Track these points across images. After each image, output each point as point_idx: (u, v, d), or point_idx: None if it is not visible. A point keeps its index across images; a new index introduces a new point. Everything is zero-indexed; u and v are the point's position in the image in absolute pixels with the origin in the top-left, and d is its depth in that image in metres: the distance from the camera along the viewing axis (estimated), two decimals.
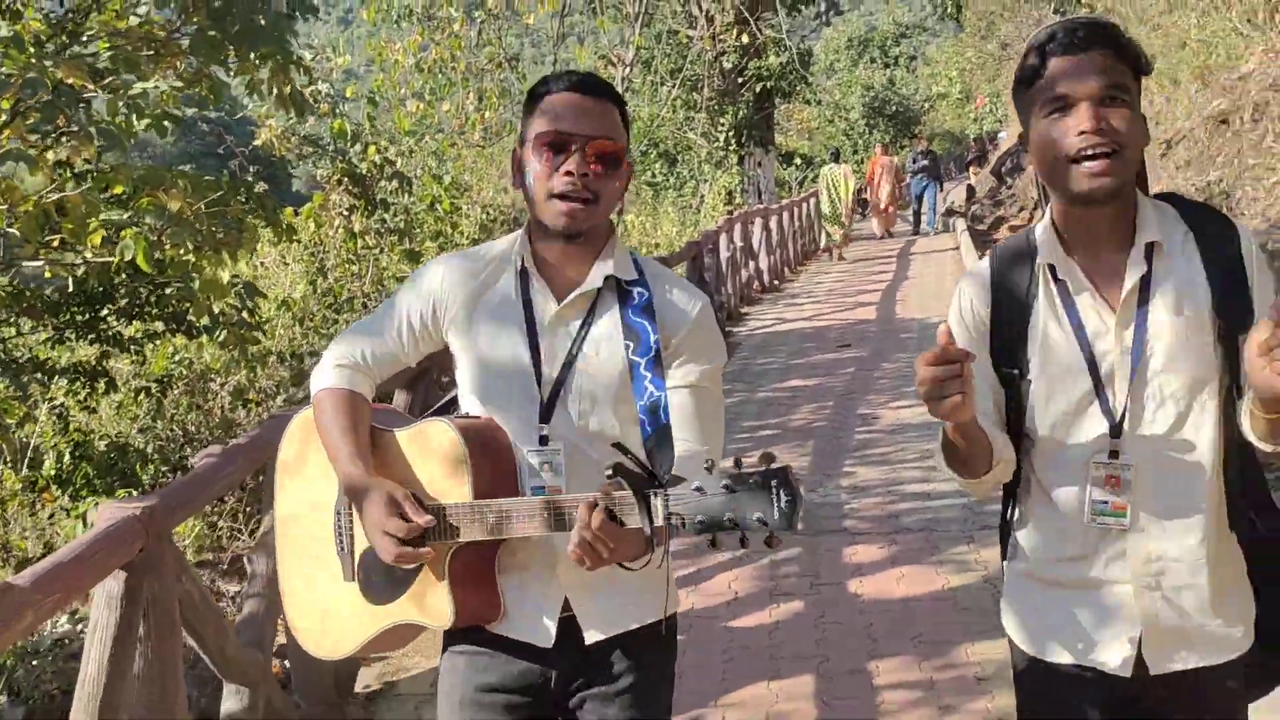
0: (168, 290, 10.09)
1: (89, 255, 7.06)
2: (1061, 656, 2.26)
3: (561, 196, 2.23)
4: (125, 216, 7.07)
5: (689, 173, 23.39)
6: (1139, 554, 2.18)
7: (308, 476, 2.46)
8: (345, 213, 12.36)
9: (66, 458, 10.04)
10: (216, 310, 8.11)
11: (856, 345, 12.89)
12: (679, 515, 1.96)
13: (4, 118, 6.11)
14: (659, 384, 2.25)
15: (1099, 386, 2.18)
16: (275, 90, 7.58)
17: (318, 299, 11.02)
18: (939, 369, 1.91)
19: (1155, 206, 2.22)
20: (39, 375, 10.17)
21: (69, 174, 7.05)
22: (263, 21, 7.09)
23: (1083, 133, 2.05)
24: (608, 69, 21.84)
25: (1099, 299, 2.19)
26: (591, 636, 2.34)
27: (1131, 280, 2.16)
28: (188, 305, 9.92)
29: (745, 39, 21.77)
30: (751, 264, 18.10)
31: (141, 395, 10.30)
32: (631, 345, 2.30)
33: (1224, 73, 12.08)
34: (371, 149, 13.59)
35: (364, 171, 12.83)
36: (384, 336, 2.43)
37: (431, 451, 2.27)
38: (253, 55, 7.07)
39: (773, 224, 19.54)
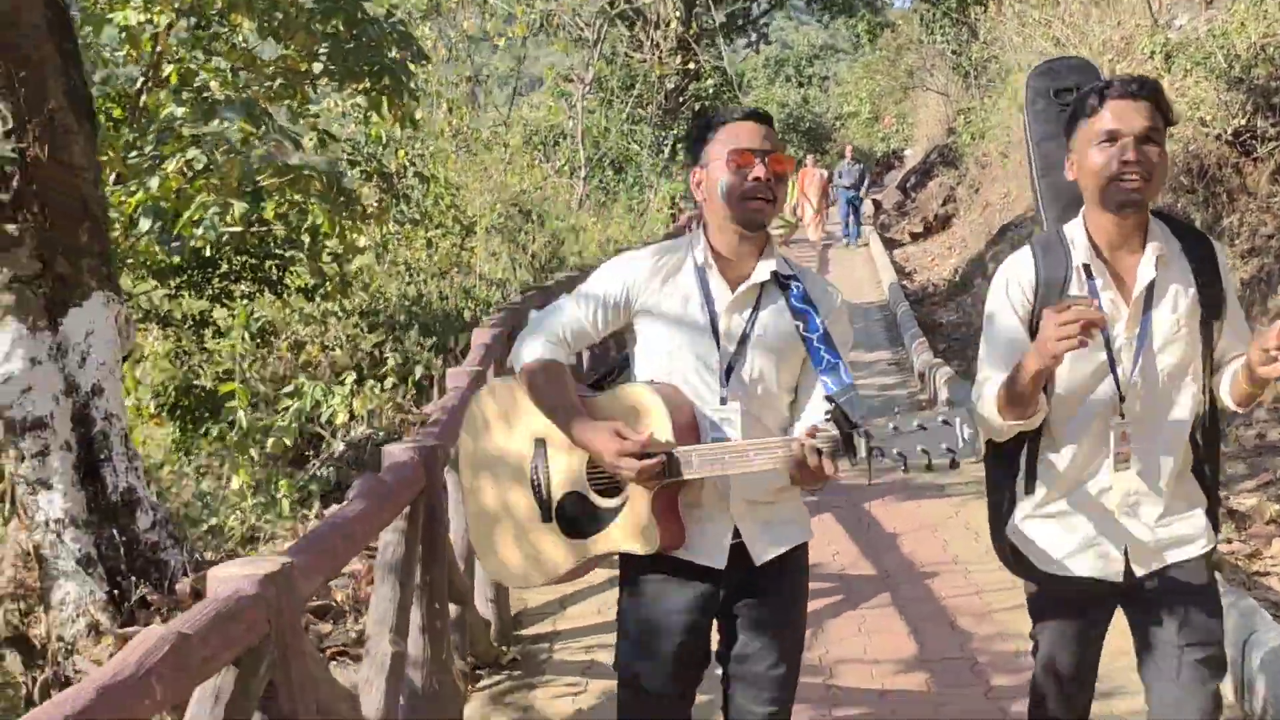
0: (266, 262, 13.03)
1: (276, 226, 10.02)
2: (1068, 571, 2.84)
3: (752, 197, 2.74)
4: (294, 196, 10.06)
5: (634, 180, 26.42)
6: (1121, 489, 2.80)
7: (494, 445, 2.94)
8: (375, 204, 15.21)
9: (172, 393, 12.56)
10: (351, 269, 10.99)
11: None
12: (878, 449, 2.48)
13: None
14: (834, 353, 2.75)
15: (1111, 362, 2.76)
16: (391, 109, 10.54)
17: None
18: (1073, 313, 2.49)
19: (1157, 222, 2.82)
20: (160, 322, 13.05)
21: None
22: (390, 57, 10.08)
23: (1126, 161, 2.64)
24: (569, 86, 24.96)
25: (1117, 295, 2.77)
26: (758, 558, 2.85)
27: (1143, 282, 2.74)
28: (278, 272, 12.90)
29: (688, 64, 24.94)
30: None
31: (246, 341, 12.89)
32: (801, 325, 2.81)
33: None
34: (401, 152, 16.45)
35: (392, 170, 15.59)
36: (581, 318, 2.87)
37: (633, 409, 2.74)
38: (377, 84, 9.91)
39: None
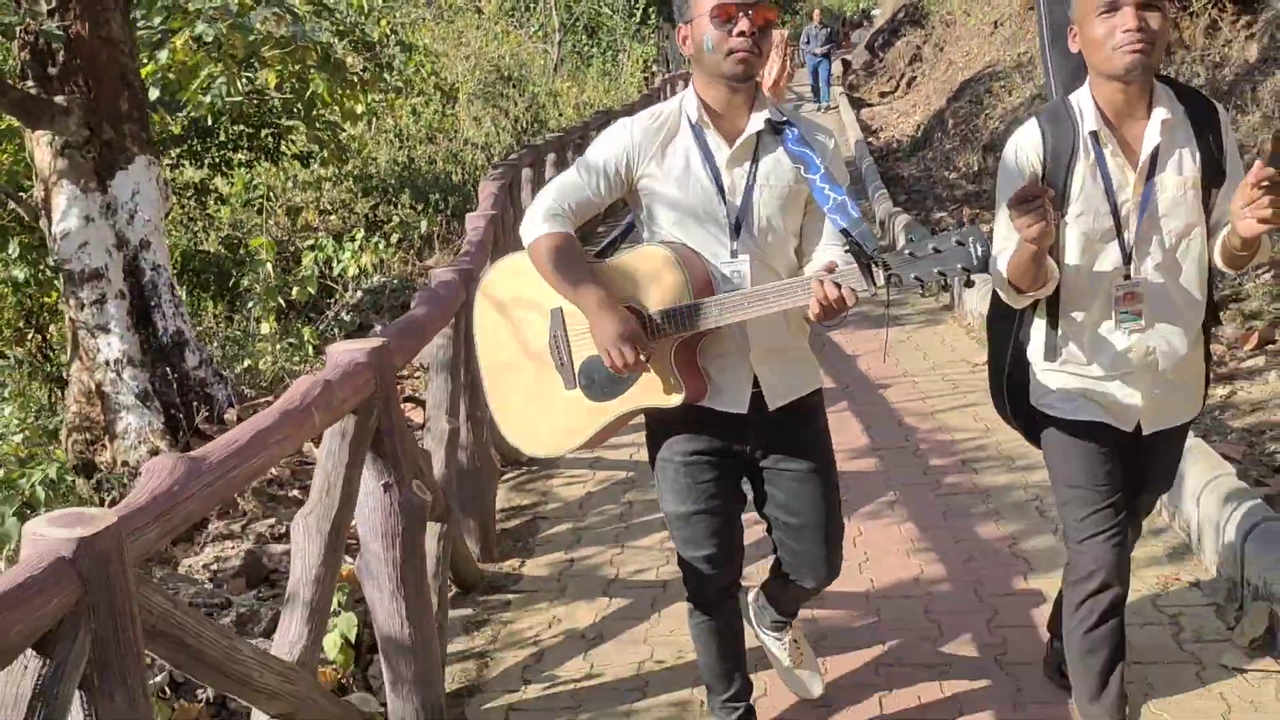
0: (262, 131, 13.63)
1: (273, 95, 10.64)
2: (1087, 415, 2.96)
3: (739, 51, 2.75)
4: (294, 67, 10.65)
5: (607, 44, 26.82)
6: (1141, 348, 2.88)
7: (512, 316, 3.00)
8: (359, 73, 15.73)
9: (179, 258, 13.19)
10: (344, 136, 11.61)
11: None
12: (896, 275, 2.58)
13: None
14: (838, 189, 2.79)
15: (1119, 226, 2.81)
16: None
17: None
18: (1029, 203, 2.53)
19: (1163, 89, 2.82)
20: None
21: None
22: None
23: (1128, 30, 2.65)
24: None
25: (1124, 160, 2.80)
26: (774, 403, 2.94)
27: (1149, 148, 2.77)
28: (274, 140, 13.51)
29: None
30: None
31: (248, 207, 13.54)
32: (801, 168, 2.84)
33: None
34: (384, 22, 16.89)
35: (375, 39, 16.05)
36: (584, 188, 2.89)
37: (651, 270, 2.82)
38: None
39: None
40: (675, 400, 2.82)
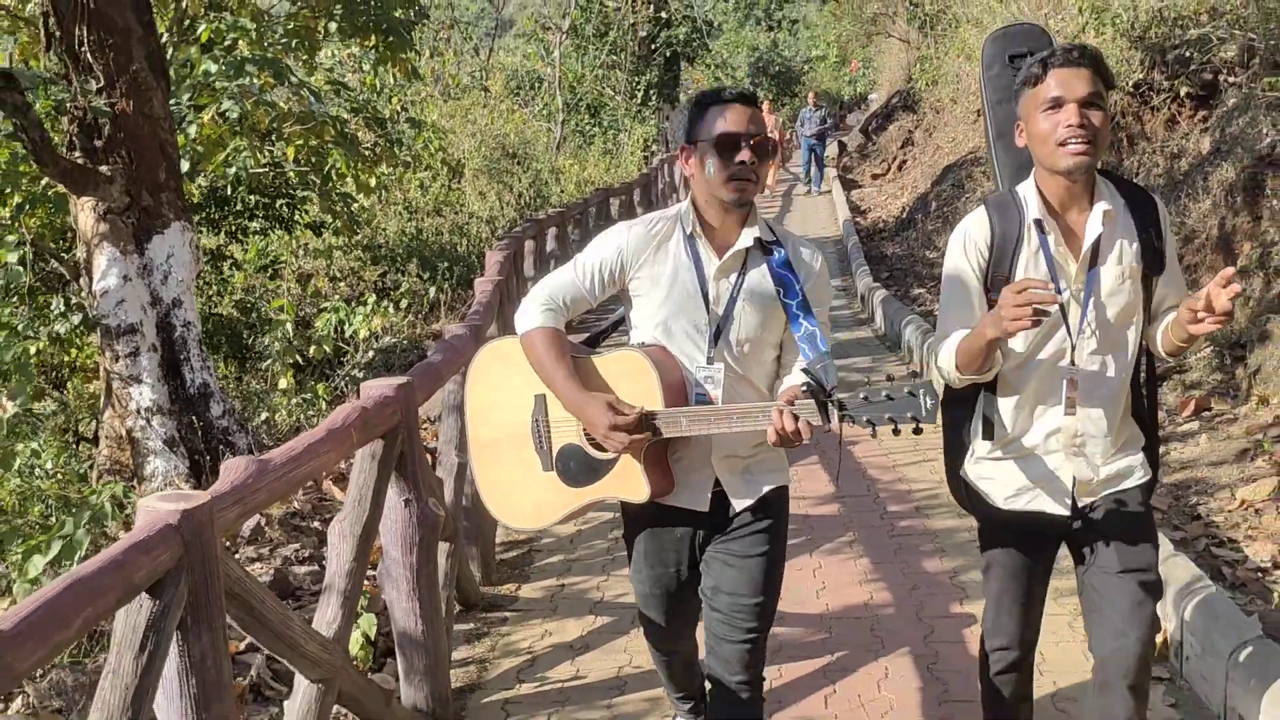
0: (278, 201, 14.33)
1: (291, 164, 11.35)
2: (1020, 506, 3.04)
3: (738, 179, 2.93)
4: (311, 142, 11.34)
5: (610, 123, 27.75)
6: (1069, 431, 2.97)
7: (499, 396, 3.18)
8: (373, 148, 16.50)
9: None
10: (356, 207, 12.31)
11: None
12: (850, 416, 2.74)
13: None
14: (811, 319, 2.96)
15: (1063, 313, 2.91)
16: (397, 63, 11.83)
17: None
18: (1039, 303, 2.63)
19: (1104, 181, 2.96)
20: None
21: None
22: (395, 15, 11.33)
23: (1069, 125, 2.77)
24: (547, 34, 26.21)
25: (1066, 250, 2.92)
26: (737, 504, 3.10)
27: (1091, 238, 2.89)
28: (289, 210, 14.19)
29: (659, 14, 26.24)
30: (674, 195, 22.58)
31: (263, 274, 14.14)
32: (782, 291, 3.01)
33: None
34: (395, 99, 17.68)
35: (386, 116, 16.85)
36: (578, 286, 3.07)
37: (627, 372, 2.98)
38: (384, 41, 11.19)
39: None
40: (641, 496, 3.00)
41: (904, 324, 10.25)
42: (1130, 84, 11.18)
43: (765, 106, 26.41)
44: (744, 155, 2.92)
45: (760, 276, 3.03)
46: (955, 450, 3.18)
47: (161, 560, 2.49)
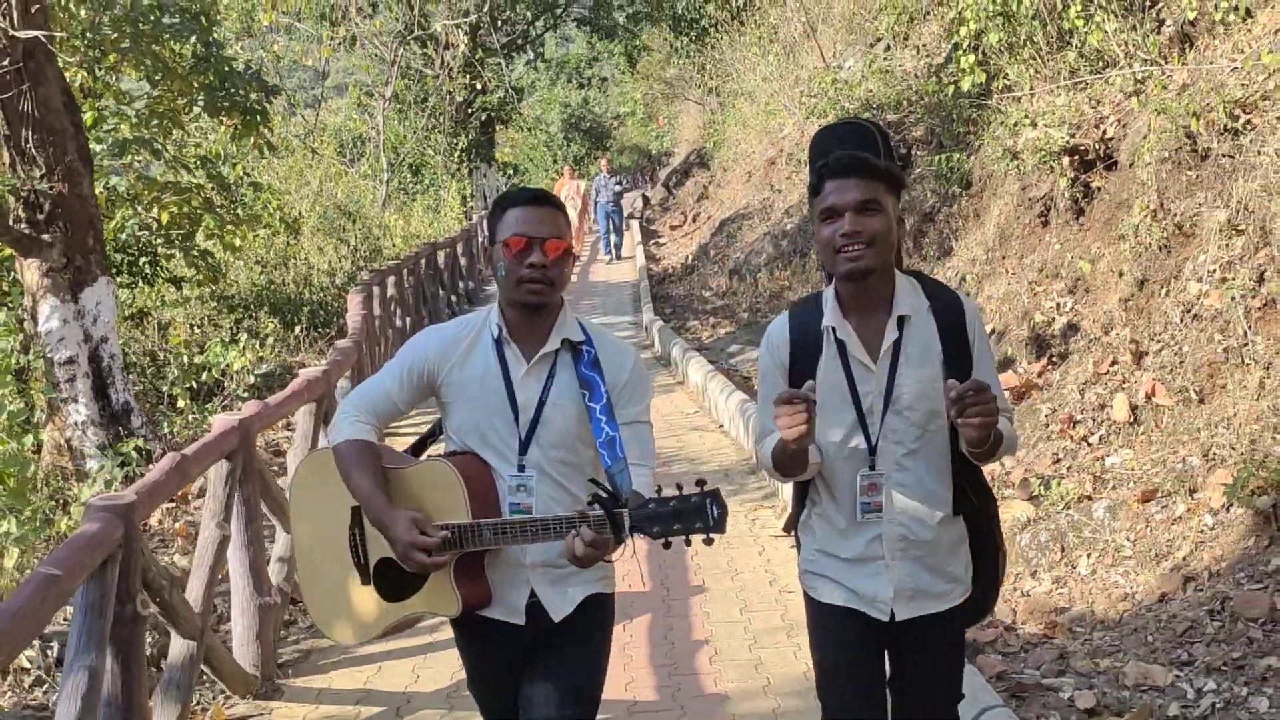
0: (140, 258, 16.28)
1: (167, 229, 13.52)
2: (841, 601, 3.03)
3: (529, 281, 2.90)
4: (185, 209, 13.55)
5: (430, 181, 30.19)
6: (891, 537, 2.97)
7: (319, 509, 3.16)
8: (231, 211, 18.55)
9: None
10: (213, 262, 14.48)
11: None
12: (638, 527, 2.72)
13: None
14: (613, 425, 2.91)
15: (861, 418, 2.94)
16: (254, 140, 14.14)
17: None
18: (794, 406, 2.68)
19: (909, 282, 3.00)
20: None
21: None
22: (250, 99, 13.60)
23: (844, 234, 2.83)
24: (371, 100, 28.62)
25: (864, 353, 2.94)
26: (555, 615, 3.02)
27: (888, 342, 2.93)
28: (151, 267, 16.17)
29: (475, 82, 28.97)
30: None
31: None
32: (586, 394, 2.96)
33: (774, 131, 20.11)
34: (238, 166, 19.80)
35: (231, 181, 18.87)
36: (386, 396, 3.09)
37: (435, 484, 2.96)
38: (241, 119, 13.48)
39: None
40: (453, 611, 2.97)
41: (672, 345, 13.63)
42: None
43: (567, 172, 26.48)
44: (535, 258, 2.90)
45: (568, 379, 3.00)
46: (796, 518, 3.20)
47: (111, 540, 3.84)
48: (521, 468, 2.97)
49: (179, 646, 4.68)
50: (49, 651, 5.36)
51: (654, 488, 2.87)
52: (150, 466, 9.94)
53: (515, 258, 2.91)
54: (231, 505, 5.19)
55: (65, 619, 5.42)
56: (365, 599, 3.08)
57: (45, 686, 5.25)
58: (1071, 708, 4.57)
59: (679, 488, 2.76)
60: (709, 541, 2.75)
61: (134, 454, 9.63)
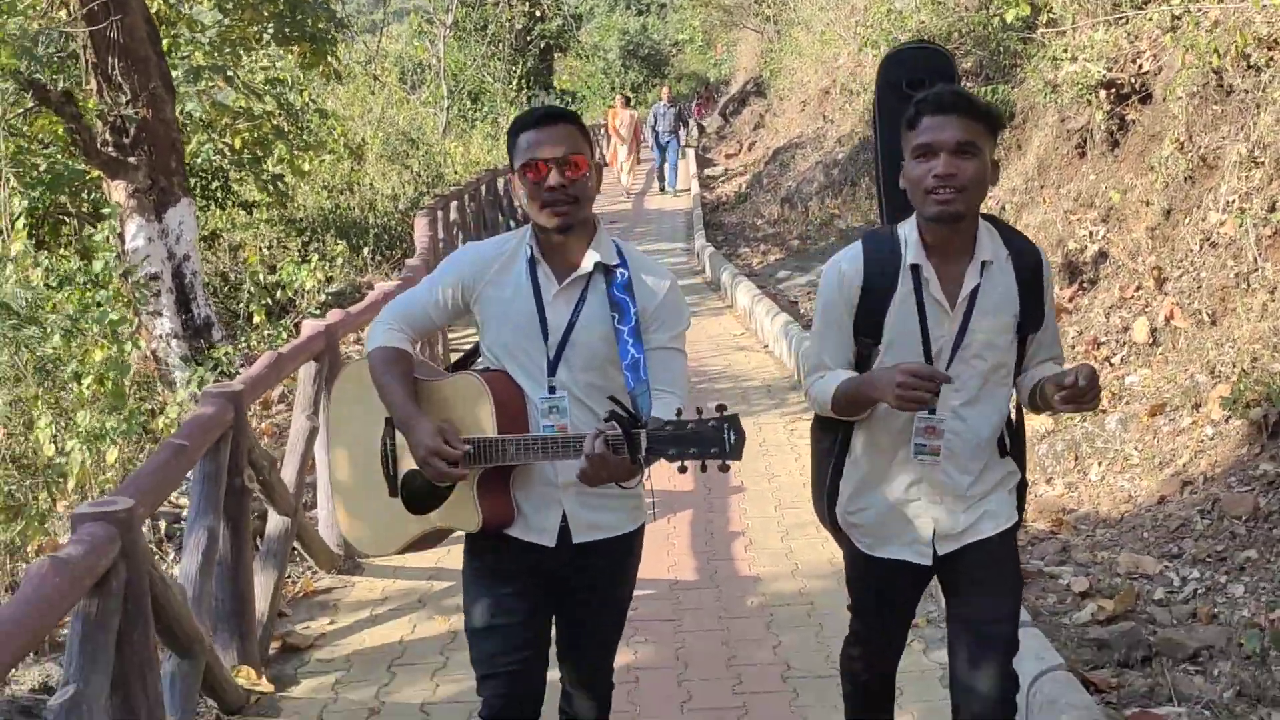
0: (212, 183, 16.95)
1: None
2: (883, 553, 3.04)
3: (552, 204, 2.86)
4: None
5: (489, 108, 30.66)
6: (932, 481, 2.95)
7: (355, 417, 3.16)
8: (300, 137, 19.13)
9: None
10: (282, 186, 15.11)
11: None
12: (655, 448, 2.66)
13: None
14: (639, 348, 2.87)
15: (929, 360, 2.87)
16: (320, 68, 14.67)
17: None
18: (928, 383, 2.69)
19: (988, 228, 2.91)
20: None
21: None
22: (318, 28, 14.12)
23: (937, 175, 2.73)
24: (431, 28, 29.04)
25: (942, 296, 2.87)
26: (577, 538, 3.00)
27: (968, 288, 2.86)
28: (223, 190, 16.85)
29: (534, 10, 29.36)
30: None
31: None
32: (616, 316, 2.92)
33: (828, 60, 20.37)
34: (305, 91, 20.38)
35: (298, 107, 19.46)
36: (422, 308, 3.09)
37: (464, 398, 2.94)
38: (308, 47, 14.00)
39: None
40: (472, 526, 2.96)
41: (722, 270, 14.07)
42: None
43: (619, 102, 24.67)
44: (553, 180, 2.85)
45: (600, 302, 2.96)
46: (820, 478, 3.17)
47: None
48: (552, 389, 2.95)
49: (275, 522, 5.31)
50: (158, 527, 6.03)
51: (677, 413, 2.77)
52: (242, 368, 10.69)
53: (533, 183, 2.87)
54: (319, 401, 5.77)
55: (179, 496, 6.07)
56: (390, 510, 3.08)
57: (156, 556, 5.89)
58: (1068, 591, 5.10)
59: (699, 411, 2.69)
60: (724, 469, 2.68)
61: (223, 358, 10.32)
